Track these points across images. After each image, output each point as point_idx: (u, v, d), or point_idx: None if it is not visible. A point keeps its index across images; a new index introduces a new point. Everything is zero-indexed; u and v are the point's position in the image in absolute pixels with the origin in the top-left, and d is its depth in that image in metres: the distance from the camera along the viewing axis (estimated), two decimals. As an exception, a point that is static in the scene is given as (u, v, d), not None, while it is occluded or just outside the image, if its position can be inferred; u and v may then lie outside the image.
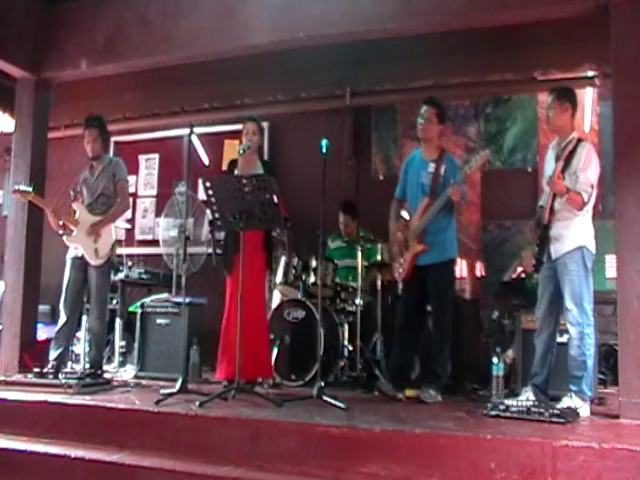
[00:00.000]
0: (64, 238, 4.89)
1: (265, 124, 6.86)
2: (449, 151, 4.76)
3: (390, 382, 4.38)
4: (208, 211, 4.24)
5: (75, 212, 4.94)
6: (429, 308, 4.52)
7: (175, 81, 6.80)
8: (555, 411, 3.43)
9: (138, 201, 7.78)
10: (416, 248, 4.35)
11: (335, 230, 5.95)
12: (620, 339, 3.78)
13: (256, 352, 4.33)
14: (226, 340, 4.47)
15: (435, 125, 4.46)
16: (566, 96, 4.04)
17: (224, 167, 4.84)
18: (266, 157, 6.00)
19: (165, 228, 6.45)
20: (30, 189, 4.95)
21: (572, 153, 3.91)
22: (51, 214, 4.88)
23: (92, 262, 4.85)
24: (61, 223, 4.87)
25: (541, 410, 3.46)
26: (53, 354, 4.82)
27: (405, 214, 4.56)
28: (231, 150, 4.84)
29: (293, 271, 5.38)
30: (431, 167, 4.41)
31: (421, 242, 4.34)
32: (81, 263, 4.89)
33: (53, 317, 6.30)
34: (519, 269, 5.52)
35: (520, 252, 5.71)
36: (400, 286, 4.62)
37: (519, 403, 3.59)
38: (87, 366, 4.97)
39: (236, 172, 4.64)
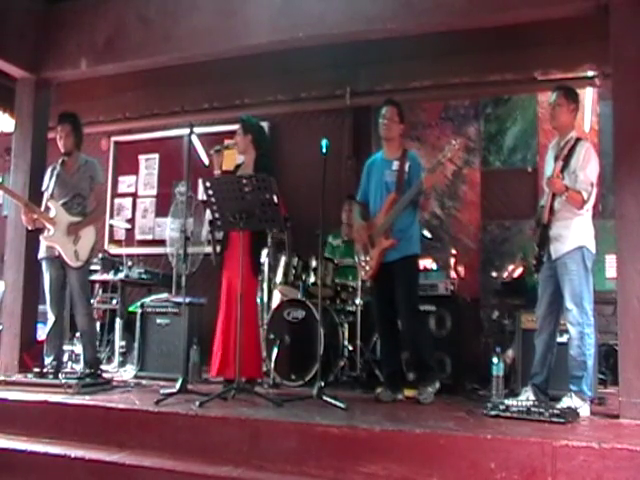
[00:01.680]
0: (41, 237, 4.80)
1: (265, 124, 6.89)
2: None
3: (387, 387, 4.37)
4: (208, 211, 4.25)
5: (50, 210, 4.82)
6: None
7: (175, 81, 6.79)
8: (555, 411, 3.43)
9: (138, 201, 7.78)
10: (384, 244, 4.33)
11: (336, 229, 5.95)
12: (620, 339, 3.78)
13: (244, 352, 4.30)
14: (216, 337, 4.53)
15: (397, 124, 4.52)
16: (572, 97, 4.05)
17: (224, 167, 4.85)
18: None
19: (172, 228, 6.46)
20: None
21: (571, 152, 3.91)
22: (24, 208, 4.78)
23: (72, 264, 4.76)
24: (33, 219, 4.78)
25: (541, 410, 3.46)
26: (48, 359, 4.78)
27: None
28: (225, 155, 4.88)
29: (293, 271, 5.37)
30: (395, 165, 4.44)
31: (388, 237, 4.33)
32: (58, 262, 4.81)
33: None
34: (519, 270, 5.52)
35: (520, 252, 5.72)
36: (368, 284, 4.61)
37: (519, 403, 3.59)
38: (86, 366, 4.95)
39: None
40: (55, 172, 4.93)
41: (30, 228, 4.87)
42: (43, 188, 4.96)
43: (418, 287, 4.61)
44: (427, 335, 4.56)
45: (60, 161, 4.98)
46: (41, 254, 4.89)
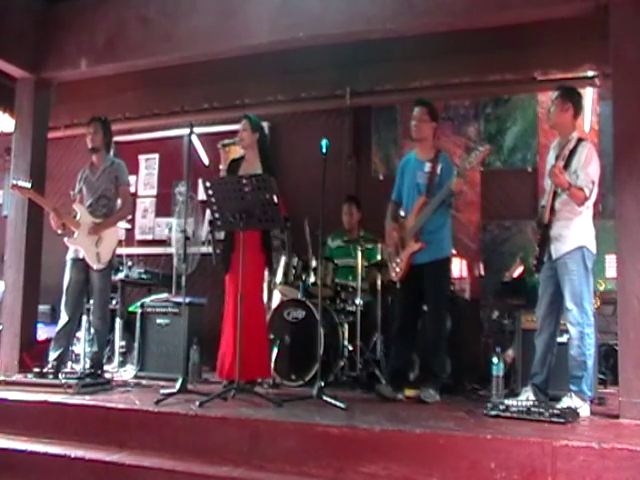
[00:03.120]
0: (65, 239, 4.87)
1: (265, 124, 6.89)
2: (446, 151, 4.81)
3: (389, 384, 4.38)
4: (208, 211, 4.24)
5: (76, 213, 4.91)
6: (425, 307, 4.53)
7: (175, 81, 6.79)
8: (555, 411, 3.43)
9: (138, 201, 7.78)
10: (413, 246, 4.35)
11: (335, 229, 5.95)
12: (620, 339, 3.78)
13: (254, 352, 4.32)
14: (224, 340, 4.49)
15: (428, 123, 4.50)
16: (569, 96, 4.03)
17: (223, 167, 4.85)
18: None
19: (176, 229, 6.45)
20: (28, 185, 4.94)
21: (572, 152, 3.91)
22: (53, 213, 4.84)
23: (94, 266, 4.82)
24: (62, 223, 4.84)
25: (541, 410, 3.46)
26: (53, 355, 4.81)
27: (402, 214, 4.59)
28: (231, 150, 4.89)
29: (293, 271, 5.37)
30: (427, 167, 4.43)
31: (418, 240, 4.34)
32: (82, 264, 4.88)
33: (53, 317, 6.30)
34: (519, 269, 5.52)
35: (520, 252, 5.72)
36: (398, 286, 4.62)
37: (519, 403, 3.59)
38: (88, 364, 4.97)
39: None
40: (84, 175, 5.03)
41: (60, 232, 4.89)
42: (75, 192, 5.03)
43: (448, 291, 4.64)
44: (445, 343, 4.49)
45: (89, 163, 5.08)
46: (68, 255, 4.94)
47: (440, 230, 4.41)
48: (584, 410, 3.70)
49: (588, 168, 3.84)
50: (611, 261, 4.55)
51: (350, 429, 3.19)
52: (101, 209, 4.95)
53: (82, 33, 5.43)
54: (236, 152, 5.01)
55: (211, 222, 4.30)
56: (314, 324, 4.73)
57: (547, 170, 4.12)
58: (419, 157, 4.54)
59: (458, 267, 5.84)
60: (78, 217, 4.89)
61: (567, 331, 3.88)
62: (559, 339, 4.06)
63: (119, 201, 5.07)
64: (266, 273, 5.01)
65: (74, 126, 7.17)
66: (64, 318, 4.86)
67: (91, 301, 5.05)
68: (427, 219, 4.33)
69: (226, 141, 4.73)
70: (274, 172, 4.46)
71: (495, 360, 4.17)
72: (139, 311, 5.55)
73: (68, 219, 4.87)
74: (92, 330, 5.02)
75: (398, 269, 4.45)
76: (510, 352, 4.76)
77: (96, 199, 4.96)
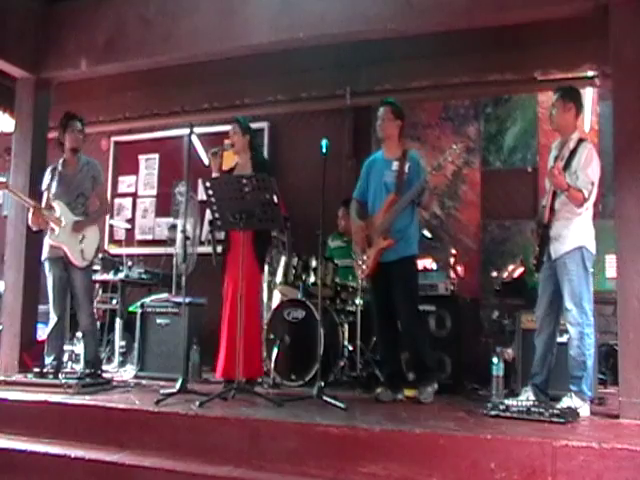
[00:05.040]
0: (48, 238, 4.78)
1: (265, 124, 6.94)
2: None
3: (387, 388, 4.37)
4: (208, 211, 4.25)
5: (54, 210, 4.80)
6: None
7: (175, 81, 6.79)
8: (555, 411, 3.44)
9: (138, 201, 7.79)
10: (381, 243, 4.32)
11: (335, 229, 5.95)
12: (620, 339, 3.78)
13: (246, 351, 4.29)
14: (221, 338, 4.52)
15: (392, 122, 4.49)
16: (570, 96, 4.04)
17: (223, 168, 4.86)
18: (266, 157, 5.99)
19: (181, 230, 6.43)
20: (2, 179, 4.85)
21: (573, 153, 3.91)
22: (34, 209, 4.74)
23: (77, 264, 4.78)
24: (41, 220, 4.75)
25: (541, 410, 3.46)
26: (48, 359, 4.77)
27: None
28: (224, 156, 4.89)
29: (293, 271, 5.37)
30: (395, 165, 4.42)
31: (387, 238, 4.32)
32: (62, 263, 4.81)
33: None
34: (519, 270, 5.52)
35: (520, 252, 5.73)
36: (367, 284, 4.62)
37: (519, 403, 3.59)
38: (87, 365, 4.95)
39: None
40: (56, 172, 4.93)
41: (35, 229, 4.86)
42: (43, 187, 4.94)
43: (417, 288, 4.61)
44: (426, 336, 4.56)
45: (61, 161, 4.98)
46: (45, 255, 4.87)
47: (407, 228, 4.40)
48: (584, 410, 3.71)
49: (588, 169, 3.84)
50: (611, 261, 4.55)
51: (350, 429, 3.20)
52: (80, 207, 4.90)
53: (82, 33, 5.43)
54: (232, 156, 5.01)
55: (211, 222, 4.30)
56: (314, 324, 4.73)
57: (548, 170, 4.13)
58: (386, 156, 4.53)
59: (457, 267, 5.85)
60: (58, 214, 4.79)
61: (567, 331, 3.88)
62: (559, 339, 4.06)
63: (96, 200, 5.07)
64: (265, 274, 5.03)
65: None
66: (53, 319, 4.81)
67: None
68: (396, 217, 4.31)
69: (214, 149, 4.73)
70: (268, 169, 4.45)
71: (495, 360, 4.18)
72: (139, 311, 5.55)
73: (50, 216, 4.77)
74: (84, 332, 4.94)
75: (365, 266, 4.43)
76: (510, 350, 4.75)
77: (75, 197, 4.89)
